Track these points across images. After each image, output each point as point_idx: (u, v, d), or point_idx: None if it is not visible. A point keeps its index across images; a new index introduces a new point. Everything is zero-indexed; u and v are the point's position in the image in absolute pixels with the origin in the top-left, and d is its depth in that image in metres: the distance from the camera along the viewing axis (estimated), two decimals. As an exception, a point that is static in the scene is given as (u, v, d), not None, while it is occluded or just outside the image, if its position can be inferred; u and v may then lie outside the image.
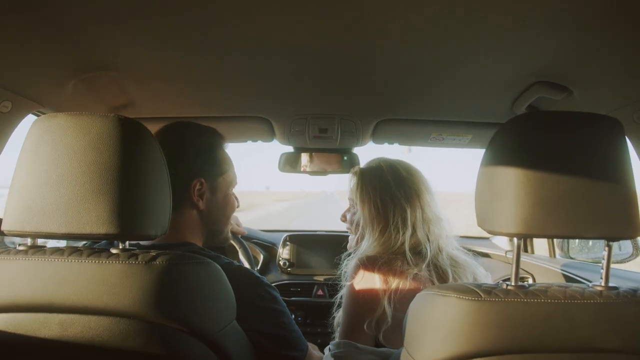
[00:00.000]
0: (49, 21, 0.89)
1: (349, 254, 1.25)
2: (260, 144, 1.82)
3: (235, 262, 0.95)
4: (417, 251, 1.14)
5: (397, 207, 1.17)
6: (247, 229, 2.26)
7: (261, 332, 0.90)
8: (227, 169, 1.07)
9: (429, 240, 1.16)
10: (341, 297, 1.20)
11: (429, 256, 1.12)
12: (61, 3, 0.83)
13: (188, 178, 0.99)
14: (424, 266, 1.11)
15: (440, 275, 1.13)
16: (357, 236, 1.28)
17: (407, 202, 1.17)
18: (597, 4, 0.78)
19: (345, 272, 1.20)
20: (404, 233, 1.14)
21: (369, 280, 1.10)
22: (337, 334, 1.23)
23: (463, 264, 1.18)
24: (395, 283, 1.08)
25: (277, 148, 1.83)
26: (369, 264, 1.12)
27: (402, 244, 1.13)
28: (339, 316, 1.21)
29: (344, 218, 1.38)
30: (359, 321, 1.09)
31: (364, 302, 1.09)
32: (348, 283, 1.15)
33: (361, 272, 1.12)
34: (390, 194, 1.18)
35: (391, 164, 1.23)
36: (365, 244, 1.20)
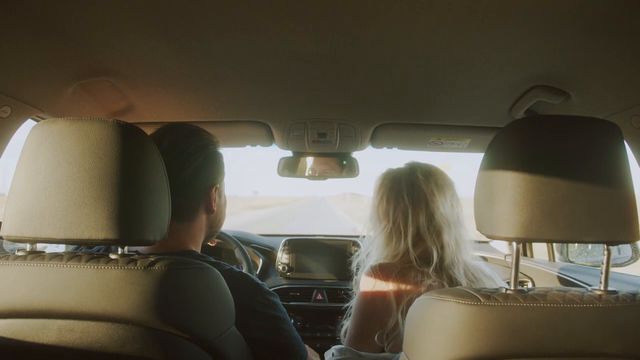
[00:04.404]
0: (48, 26, 0.89)
1: (360, 257, 1.24)
2: (249, 147, 1.81)
3: (236, 268, 0.94)
4: (428, 260, 1.10)
5: (399, 206, 1.14)
6: (246, 233, 2.27)
7: (260, 338, 0.89)
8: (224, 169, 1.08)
9: (438, 247, 1.11)
10: (351, 306, 1.18)
11: (434, 262, 1.08)
12: (61, 9, 0.84)
13: (208, 187, 1.00)
14: (431, 270, 1.07)
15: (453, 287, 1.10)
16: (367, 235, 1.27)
17: (411, 202, 1.13)
18: (596, 9, 0.78)
19: (357, 279, 1.18)
20: (406, 236, 1.11)
21: (381, 291, 1.08)
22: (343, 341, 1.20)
23: (481, 279, 1.12)
24: (409, 295, 1.05)
25: (268, 151, 1.81)
26: (382, 273, 1.09)
27: (407, 249, 1.10)
28: (347, 324, 1.19)
29: None
30: (368, 331, 1.07)
31: (375, 313, 1.07)
32: (359, 292, 1.13)
33: (373, 282, 1.10)
34: (396, 194, 1.16)
35: (413, 168, 1.21)
36: (367, 242, 1.20)
